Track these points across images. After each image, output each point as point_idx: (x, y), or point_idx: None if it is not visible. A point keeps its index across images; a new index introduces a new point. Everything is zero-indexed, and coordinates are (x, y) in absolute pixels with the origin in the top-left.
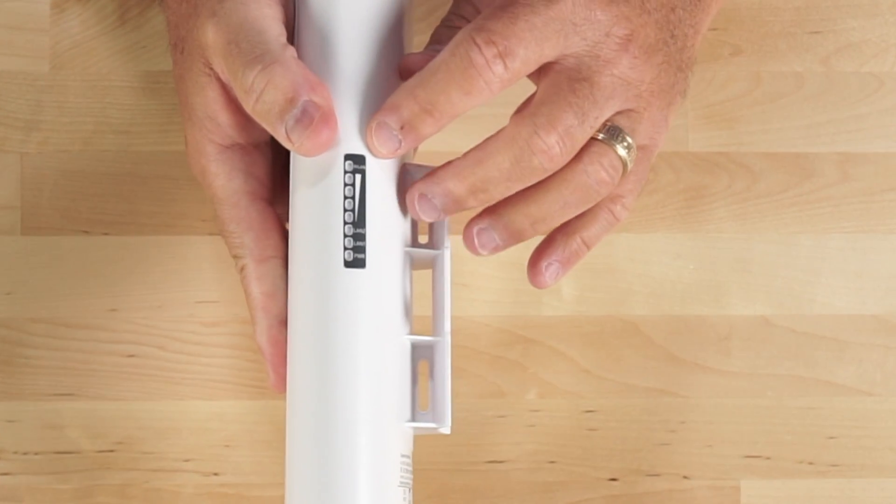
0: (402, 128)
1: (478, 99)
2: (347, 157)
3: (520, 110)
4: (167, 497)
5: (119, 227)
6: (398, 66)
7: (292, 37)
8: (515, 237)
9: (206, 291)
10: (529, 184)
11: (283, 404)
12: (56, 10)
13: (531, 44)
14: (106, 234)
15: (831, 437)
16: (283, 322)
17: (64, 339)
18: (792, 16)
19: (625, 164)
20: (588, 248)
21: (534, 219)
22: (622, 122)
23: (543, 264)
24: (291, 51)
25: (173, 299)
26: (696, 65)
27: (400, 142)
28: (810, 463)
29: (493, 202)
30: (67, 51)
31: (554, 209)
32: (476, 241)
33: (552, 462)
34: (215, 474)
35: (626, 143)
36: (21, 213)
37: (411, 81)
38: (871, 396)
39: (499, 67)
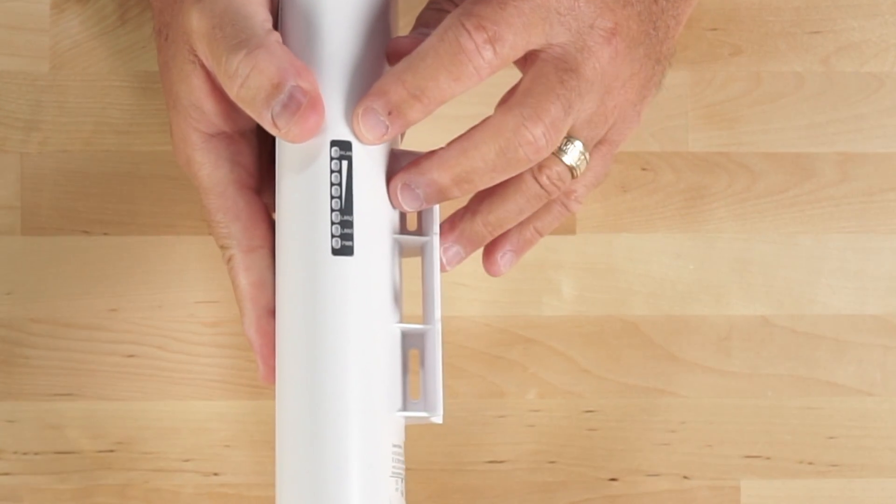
0: (389, 113)
1: (466, 84)
2: (334, 143)
3: (505, 100)
4: (167, 497)
5: (119, 227)
6: (384, 50)
7: (277, 24)
8: (477, 245)
9: (206, 291)
10: (513, 175)
11: None
12: (56, 10)
13: (519, 30)
14: (106, 234)
15: (831, 437)
16: (272, 313)
17: (64, 339)
18: (792, 16)
19: (573, 172)
20: (540, 236)
21: (492, 226)
22: (576, 128)
23: (498, 254)
24: (276, 36)
25: (173, 299)
26: (696, 65)
27: (387, 127)
28: (810, 463)
29: (476, 191)
30: (67, 51)
31: (510, 216)
32: (444, 258)
33: (552, 462)
34: (215, 474)
35: (577, 153)
36: (21, 213)
37: (399, 66)
38: (871, 396)
39: (488, 53)
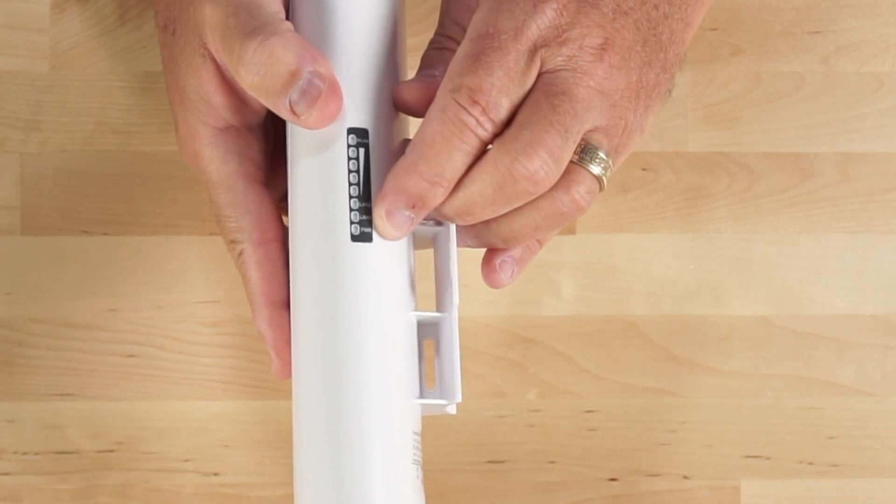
0: (413, 206)
1: (477, 153)
2: (350, 130)
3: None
4: (167, 497)
5: (119, 227)
6: (396, 38)
7: (289, 15)
8: (485, 245)
9: (206, 291)
10: (518, 205)
11: (284, 404)
12: (56, 10)
13: (511, 88)
14: (106, 234)
15: (831, 437)
16: (284, 305)
17: (64, 339)
18: (792, 16)
19: (601, 183)
20: (541, 246)
21: (505, 237)
22: (597, 138)
23: (497, 262)
24: (289, 25)
25: (173, 299)
26: (696, 65)
27: (412, 219)
28: (810, 463)
29: (481, 221)
30: (67, 51)
31: (526, 231)
32: None
33: (552, 462)
34: (215, 474)
35: (601, 162)
36: (21, 213)
37: (409, 158)
38: (870, 396)
39: (488, 124)
